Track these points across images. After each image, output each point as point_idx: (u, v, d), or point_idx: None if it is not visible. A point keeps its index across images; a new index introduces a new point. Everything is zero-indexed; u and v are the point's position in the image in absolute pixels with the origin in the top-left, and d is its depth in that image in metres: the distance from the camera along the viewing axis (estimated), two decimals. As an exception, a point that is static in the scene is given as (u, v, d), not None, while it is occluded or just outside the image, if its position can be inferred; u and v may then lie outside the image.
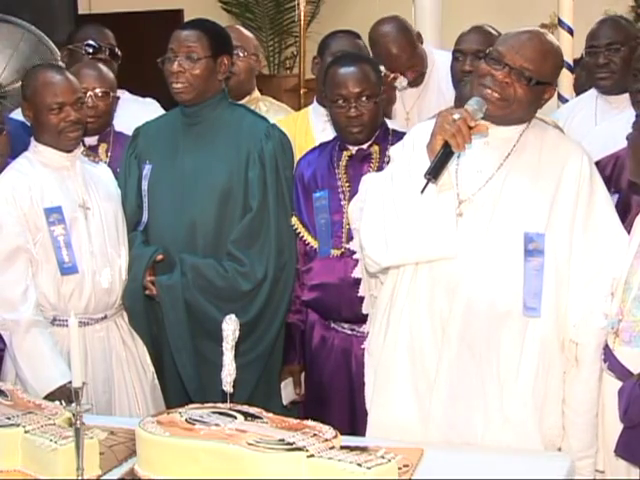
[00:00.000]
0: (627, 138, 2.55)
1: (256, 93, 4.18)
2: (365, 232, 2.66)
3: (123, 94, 4.02)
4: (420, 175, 2.49)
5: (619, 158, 2.90)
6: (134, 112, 3.90)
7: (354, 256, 2.87)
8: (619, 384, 2.48)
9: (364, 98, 3.12)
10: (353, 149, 3.22)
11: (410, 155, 2.62)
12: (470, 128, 2.50)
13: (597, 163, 2.76)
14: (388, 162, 2.97)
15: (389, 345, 2.67)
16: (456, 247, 2.55)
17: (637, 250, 2.51)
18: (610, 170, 2.91)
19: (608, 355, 2.51)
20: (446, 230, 2.54)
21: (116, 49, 4.11)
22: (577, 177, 2.57)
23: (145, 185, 3.37)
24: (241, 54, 3.95)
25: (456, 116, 2.49)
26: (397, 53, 4.07)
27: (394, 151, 2.77)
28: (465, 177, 2.61)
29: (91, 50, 4.02)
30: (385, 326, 2.69)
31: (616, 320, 2.49)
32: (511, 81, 2.53)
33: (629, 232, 2.63)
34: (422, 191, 2.48)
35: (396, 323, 2.65)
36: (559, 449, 2.60)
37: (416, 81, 4.16)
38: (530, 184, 2.57)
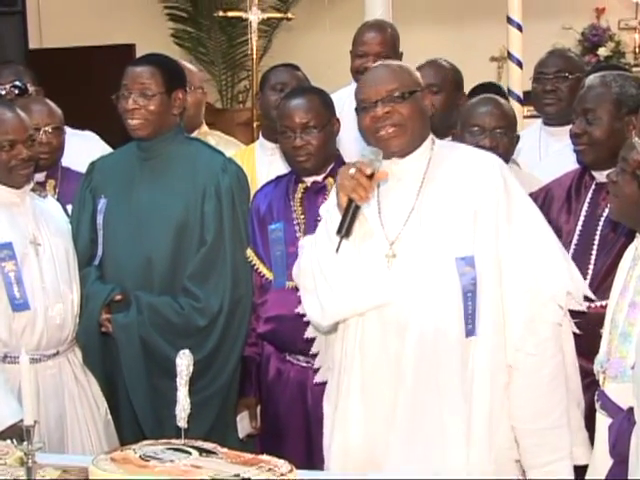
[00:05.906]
0: (609, 179, 2.51)
1: (204, 127, 4.17)
2: (303, 298, 2.70)
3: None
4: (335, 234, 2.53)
5: (550, 191, 2.96)
6: (73, 146, 3.82)
7: (304, 319, 2.84)
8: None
9: (310, 128, 3.14)
10: (308, 181, 3.23)
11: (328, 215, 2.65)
12: (370, 177, 2.51)
13: (529, 195, 2.79)
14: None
15: (343, 393, 2.65)
16: (389, 291, 2.56)
17: (622, 288, 2.52)
18: (541, 202, 2.95)
19: (600, 395, 2.51)
20: (376, 277, 2.56)
21: (18, 82, 3.88)
22: (494, 188, 2.59)
23: (100, 219, 3.34)
24: (188, 89, 3.94)
25: (352, 171, 2.51)
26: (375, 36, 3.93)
27: (323, 210, 2.77)
28: (389, 218, 2.63)
29: None
30: (338, 374, 2.68)
31: (605, 359, 2.49)
32: (391, 109, 2.58)
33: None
34: (337, 250, 2.52)
35: (349, 370, 2.64)
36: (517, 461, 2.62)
37: None
38: (450, 206, 2.59)
